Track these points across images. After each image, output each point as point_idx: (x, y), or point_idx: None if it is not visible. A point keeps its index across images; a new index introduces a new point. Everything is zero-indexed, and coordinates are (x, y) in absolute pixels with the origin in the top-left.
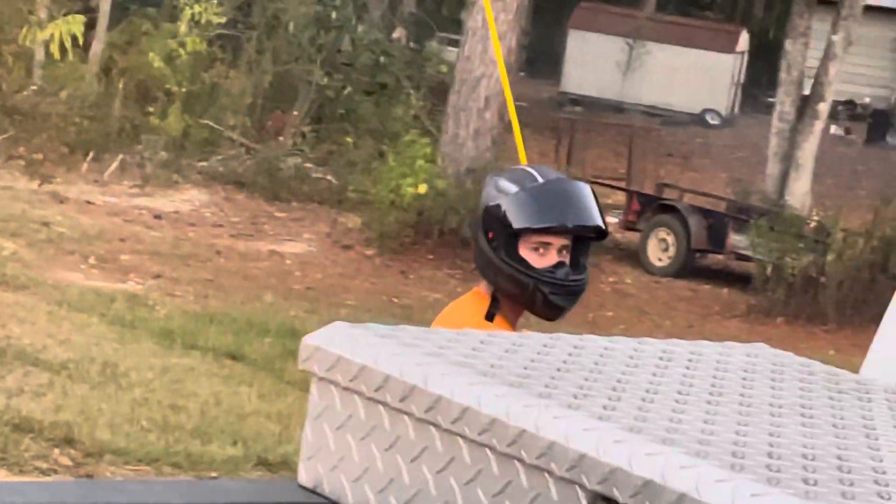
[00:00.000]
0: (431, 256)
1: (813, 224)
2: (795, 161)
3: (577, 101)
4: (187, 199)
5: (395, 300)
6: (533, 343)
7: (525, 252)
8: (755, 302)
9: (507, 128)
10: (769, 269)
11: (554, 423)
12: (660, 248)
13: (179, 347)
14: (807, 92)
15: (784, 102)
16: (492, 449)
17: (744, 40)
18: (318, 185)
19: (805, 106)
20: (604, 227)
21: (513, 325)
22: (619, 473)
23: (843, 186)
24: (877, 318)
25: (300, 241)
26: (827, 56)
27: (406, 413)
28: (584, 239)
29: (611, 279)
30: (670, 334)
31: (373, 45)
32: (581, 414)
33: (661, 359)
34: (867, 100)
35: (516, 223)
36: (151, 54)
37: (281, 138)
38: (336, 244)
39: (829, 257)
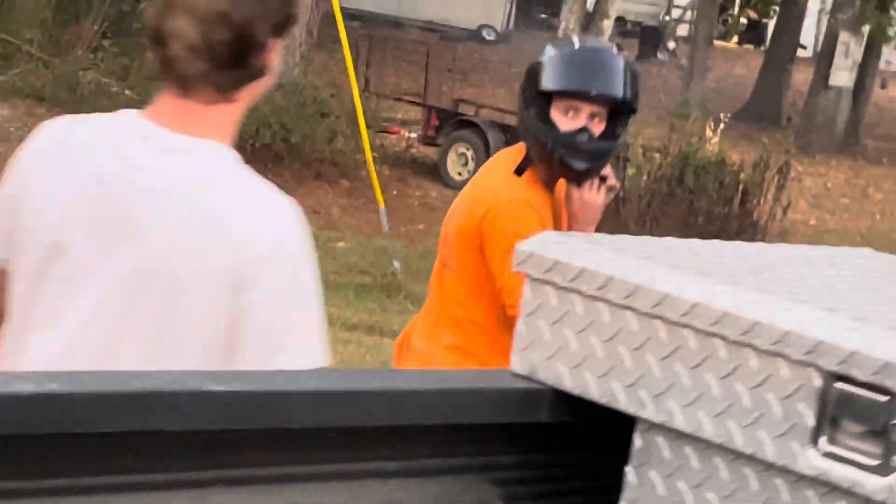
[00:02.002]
0: None
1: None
2: None
3: (354, 15)
4: None
5: None
6: (732, 250)
7: (556, 114)
8: None
9: (316, 43)
10: None
11: (786, 315)
12: (459, 163)
13: None
14: (590, 9)
15: (569, 20)
16: (722, 338)
17: None
18: (118, 100)
19: (589, 23)
20: (628, 98)
21: (546, 187)
22: (857, 356)
23: None
24: (675, 230)
25: None
26: None
27: (630, 308)
28: (621, 111)
29: (417, 193)
30: None
31: None
32: (809, 306)
33: (810, 263)
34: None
35: (543, 84)
36: None
37: (79, 52)
38: None
39: (630, 171)
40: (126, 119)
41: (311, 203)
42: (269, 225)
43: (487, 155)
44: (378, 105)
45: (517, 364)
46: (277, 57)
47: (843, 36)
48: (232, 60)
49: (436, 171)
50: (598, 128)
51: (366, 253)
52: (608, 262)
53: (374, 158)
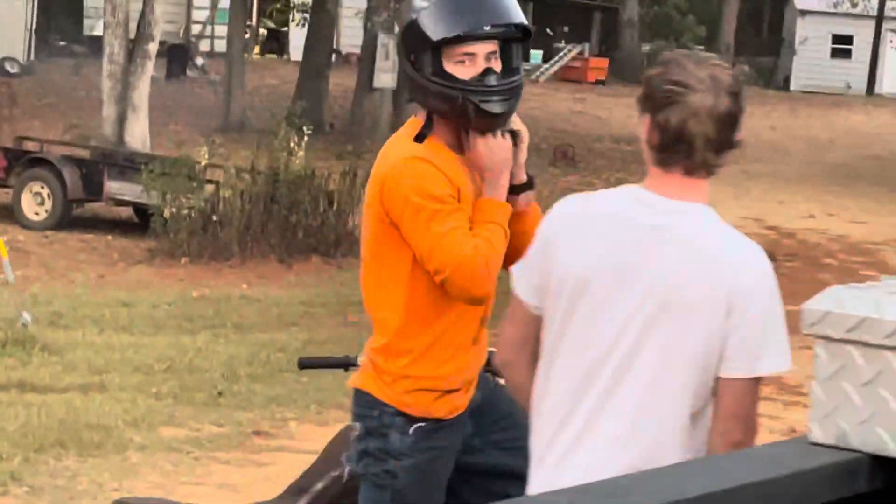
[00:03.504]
0: None
1: (204, 164)
2: (131, 102)
3: None
4: None
5: None
6: None
7: (451, 67)
8: (155, 246)
9: None
10: (167, 213)
11: None
12: (35, 202)
13: None
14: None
15: (113, 45)
16: None
17: None
18: None
19: (135, 46)
20: (525, 22)
21: (453, 148)
22: None
23: (163, 122)
24: (276, 248)
25: None
26: None
27: None
28: (511, 41)
29: (5, 237)
30: (87, 286)
31: None
32: None
33: None
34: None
35: (433, 35)
36: None
37: None
38: None
39: (227, 193)
40: (630, 191)
41: None
42: (751, 262)
43: (65, 193)
44: None
45: (818, 433)
46: None
47: (383, 38)
48: (728, 147)
49: (11, 214)
50: (497, 66)
51: None
52: None
53: None
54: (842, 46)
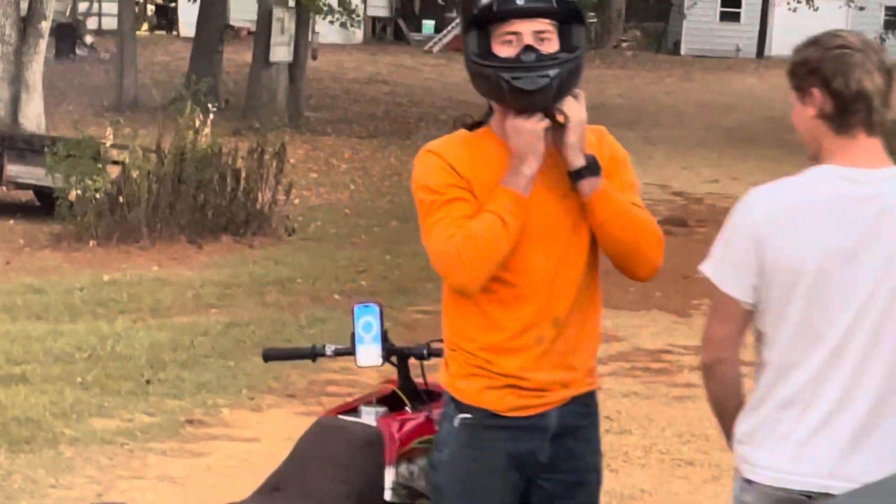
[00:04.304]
0: None
1: (109, 144)
2: (25, 83)
3: None
4: None
5: None
6: None
7: (497, 48)
8: (61, 229)
9: None
10: (72, 195)
11: None
12: None
13: None
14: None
15: (4, 25)
16: None
17: None
18: None
19: (27, 25)
20: (560, 4)
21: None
22: None
23: (55, 103)
24: (186, 228)
25: None
26: None
27: None
28: (569, 21)
29: None
30: None
31: None
32: None
33: None
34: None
35: (468, 13)
36: None
37: None
38: None
39: (135, 173)
40: (826, 171)
41: None
42: None
43: None
44: None
45: None
46: None
47: (277, 12)
48: (890, 104)
49: None
50: (548, 46)
51: None
52: None
53: None
54: (730, 10)
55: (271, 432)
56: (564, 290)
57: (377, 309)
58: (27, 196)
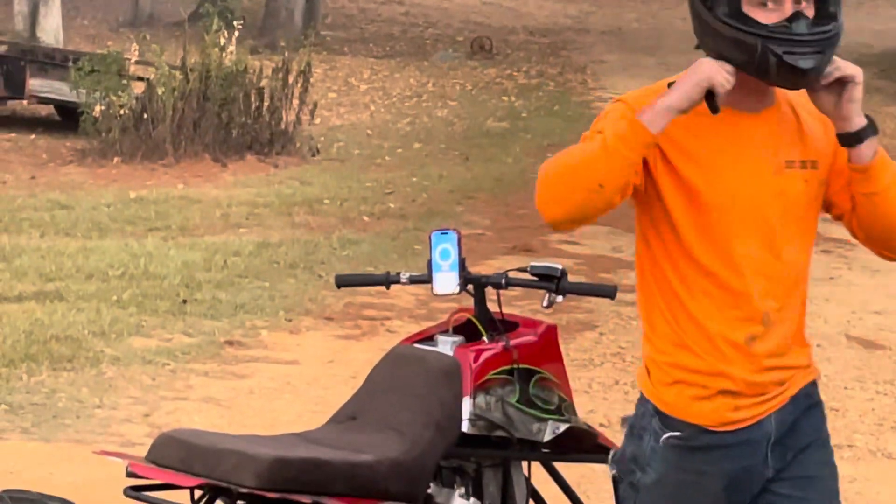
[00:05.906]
0: None
1: (134, 60)
2: None
3: None
4: None
5: None
6: None
7: (750, 9)
8: (86, 145)
9: None
10: (97, 111)
11: None
12: None
13: None
14: None
15: None
16: None
17: None
18: None
19: None
20: None
21: (734, 107)
22: None
23: (71, 17)
24: (211, 147)
25: None
26: None
27: None
28: None
29: None
30: (20, 187)
31: None
32: None
33: None
34: None
35: None
36: None
37: None
38: None
39: (160, 91)
40: None
41: None
42: None
43: None
44: None
45: None
46: None
47: None
48: None
49: None
50: (810, 11)
51: None
52: None
53: None
54: None
55: (311, 356)
56: (776, 281)
57: (455, 235)
58: (47, 110)
